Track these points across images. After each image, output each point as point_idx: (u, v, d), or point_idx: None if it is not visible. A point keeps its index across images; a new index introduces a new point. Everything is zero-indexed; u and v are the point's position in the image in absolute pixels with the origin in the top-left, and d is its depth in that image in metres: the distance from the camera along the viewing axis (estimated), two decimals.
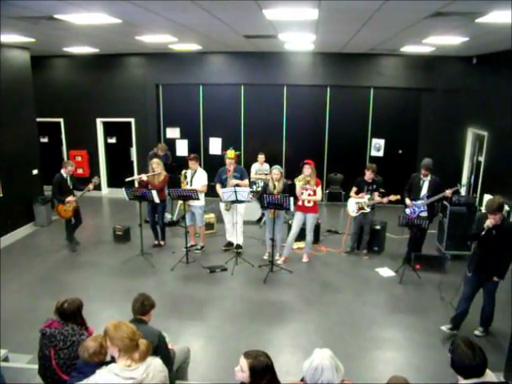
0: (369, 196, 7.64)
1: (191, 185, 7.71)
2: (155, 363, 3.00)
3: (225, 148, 10.13)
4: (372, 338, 5.45)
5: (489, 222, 4.92)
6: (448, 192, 7.16)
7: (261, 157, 9.94)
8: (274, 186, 7.38)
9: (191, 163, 7.79)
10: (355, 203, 7.75)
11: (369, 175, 7.63)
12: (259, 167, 9.96)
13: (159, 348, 3.46)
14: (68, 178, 7.88)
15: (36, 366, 3.70)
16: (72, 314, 3.58)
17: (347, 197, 8.07)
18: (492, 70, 9.18)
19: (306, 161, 7.36)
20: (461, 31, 6.30)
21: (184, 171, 7.88)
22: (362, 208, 7.67)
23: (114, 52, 10.80)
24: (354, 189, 7.81)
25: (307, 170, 7.28)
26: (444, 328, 5.43)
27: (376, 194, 7.65)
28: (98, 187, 8.40)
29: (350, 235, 8.25)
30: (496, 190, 8.37)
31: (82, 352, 3.14)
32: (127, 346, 2.88)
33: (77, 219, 8.17)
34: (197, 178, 7.75)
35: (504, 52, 8.38)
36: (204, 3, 4.68)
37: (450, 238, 7.69)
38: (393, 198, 7.54)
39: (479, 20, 5.19)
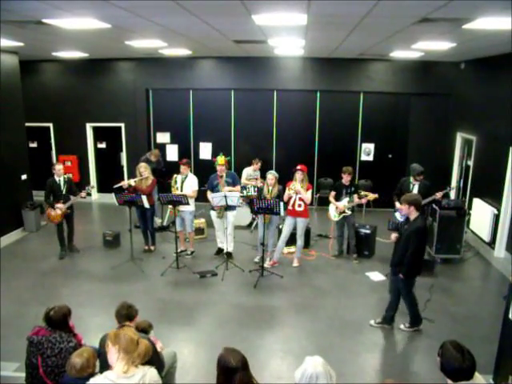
0: (348, 199, 7.69)
1: (182, 190, 7.66)
2: (151, 373, 3.00)
3: (215, 154, 10.11)
4: (363, 342, 5.46)
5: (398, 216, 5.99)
6: (438, 194, 7.22)
7: (258, 165, 9.87)
8: (269, 190, 7.39)
9: (183, 168, 7.75)
10: (335, 207, 7.80)
11: (346, 178, 7.69)
12: (251, 172, 9.94)
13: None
14: (61, 182, 7.76)
15: (23, 374, 3.67)
16: (59, 322, 3.55)
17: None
18: (480, 75, 9.28)
19: (298, 166, 7.37)
20: (448, 37, 6.37)
21: (175, 176, 7.84)
22: (343, 211, 7.71)
23: (104, 57, 10.77)
24: (333, 193, 7.86)
25: (299, 176, 7.30)
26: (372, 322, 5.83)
27: (355, 196, 7.71)
28: (88, 193, 8.31)
29: (335, 239, 8.30)
30: (484, 194, 8.47)
31: (69, 369, 3.14)
32: (129, 343, 2.89)
33: (68, 226, 8.07)
34: (187, 183, 7.71)
35: (491, 57, 8.48)
36: (193, 8, 4.68)
37: (440, 242, 7.75)
38: (371, 197, 7.64)
39: (466, 26, 5.24)
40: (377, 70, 10.70)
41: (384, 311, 5.76)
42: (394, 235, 5.67)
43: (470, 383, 2.71)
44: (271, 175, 7.40)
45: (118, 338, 2.90)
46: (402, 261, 5.28)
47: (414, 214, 5.25)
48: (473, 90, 9.55)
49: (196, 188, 7.80)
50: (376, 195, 7.68)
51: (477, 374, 2.76)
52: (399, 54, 8.96)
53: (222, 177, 7.67)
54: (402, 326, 5.68)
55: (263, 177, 8.89)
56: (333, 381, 2.69)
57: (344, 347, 5.31)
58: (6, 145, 8.72)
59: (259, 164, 9.93)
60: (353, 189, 7.74)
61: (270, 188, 7.39)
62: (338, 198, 7.77)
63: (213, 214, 7.89)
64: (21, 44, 7.72)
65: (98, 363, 3.38)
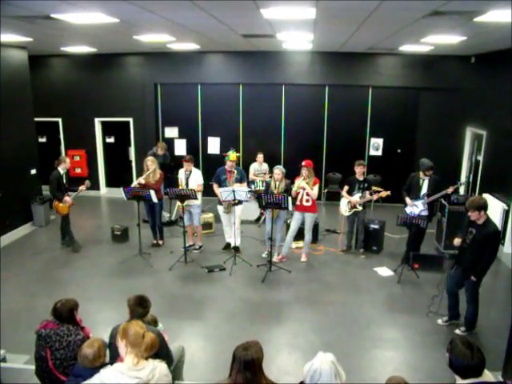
0: (360, 194, 7.66)
1: (187, 185, 7.68)
2: (161, 367, 3.03)
3: (225, 149, 10.16)
4: (370, 337, 5.45)
5: (456, 242, 5.46)
6: (450, 190, 7.17)
7: (260, 156, 9.96)
8: (276, 185, 7.39)
9: (186, 164, 7.75)
10: (347, 202, 7.78)
11: (360, 171, 7.67)
12: (258, 167, 9.96)
13: (160, 348, 3.45)
14: (64, 176, 7.87)
15: (33, 367, 3.70)
16: (65, 315, 3.57)
17: None
18: (490, 69, 9.17)
19: (303, 162, 7.35)
20: (459, 30, 6.30)
21: (180, 177, 7.84)
22: (354, 207, 7.69)
23: (112, 51, 10.78)
24: (346, 187, 7.84)
25: (305, 171, 7.29)
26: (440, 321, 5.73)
27: (367, 192, 7.68)
28: (96, 187, 8.35)
29: (345, 234, 8.29)
30: (494, 189, 8.39)
31: (81, 360, 3.19)
32: (136, 337, 2.92)
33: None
34: (192, 178, 7.73)
35: (502, 51, 8.38)
36: (201, 2, 4.66)
37: (449, 238, 7.67)
38: (383, 194, 7.63)
39: (477, 19, 5.18)
40: (386, 64, 10.62)
41: (447, 310, 5.74)
42: (457, 240, 5.48)
43: (478, 381, 2.69)
44: (278, 170, 7.41)
45: (126, 332, 2.94)
46: (474, 265, 5.14)
47: (483, 217, 5.06)
48: (483, 85, 9.44)
49: (201, 182, 7.82)
50: (388, 192, 7.63)
51: (486, 371, 2.74)
52: (409, 47, 8.87)
53: (230, 172, 7.68)
54: (457, 331, 5.44)
55: (272, 172, 8.91)
56: (339, 380, 2.67)
57: (351, 342, 5.30)
58: (16, 139, 8.78)
59: (261, 156, 9.94)
60: (366, 185, 7.72)
61: (277, 183, 7.38)
62: (350, 193, 7.76)
63: (220, 208, 7.91)
64: (30, 39, 7.76)
65: (107, 353, 3.42)
